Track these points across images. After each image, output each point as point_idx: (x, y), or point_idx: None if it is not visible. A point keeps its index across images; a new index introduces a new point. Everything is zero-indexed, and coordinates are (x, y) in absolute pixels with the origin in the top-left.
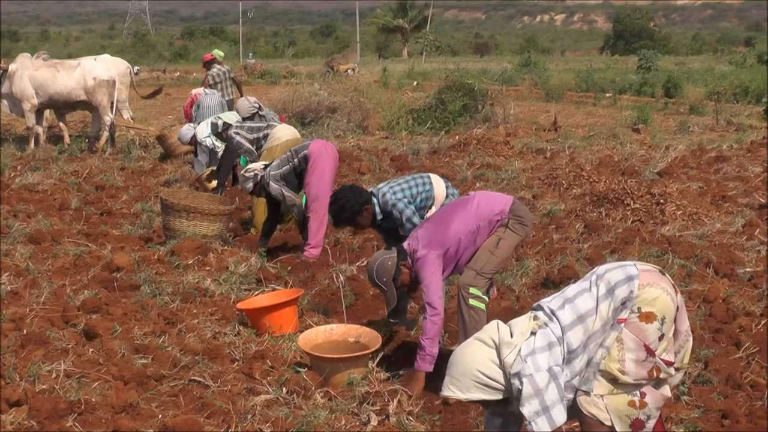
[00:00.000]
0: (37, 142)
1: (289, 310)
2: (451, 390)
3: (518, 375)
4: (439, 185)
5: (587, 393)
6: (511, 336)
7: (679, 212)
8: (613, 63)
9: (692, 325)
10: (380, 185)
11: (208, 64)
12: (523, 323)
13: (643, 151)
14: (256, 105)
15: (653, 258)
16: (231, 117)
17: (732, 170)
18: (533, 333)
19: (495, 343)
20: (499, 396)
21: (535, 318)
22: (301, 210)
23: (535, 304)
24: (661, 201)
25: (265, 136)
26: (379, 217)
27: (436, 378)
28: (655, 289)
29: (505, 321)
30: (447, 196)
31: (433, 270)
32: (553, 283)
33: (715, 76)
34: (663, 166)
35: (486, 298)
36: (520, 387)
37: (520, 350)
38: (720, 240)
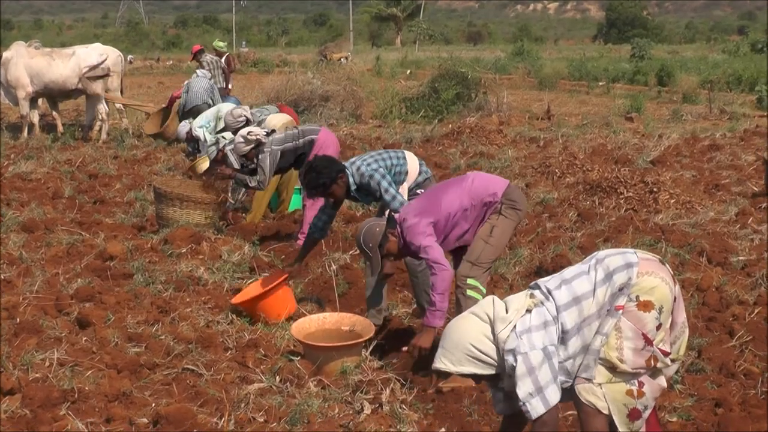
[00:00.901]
0: (30, 131)
1: (281, 292)
2: (443, 362)
3: (513, 352)
4: (412, 161)
5: (588, 380)
6: (507, 312)
7: (673, 201)
8: (606, 52)
9: (686, 313)
10: (352, 159)
11: (198, 54)
12: (519, 300)
13: (636, 140)
14: (242, 120)
15: (646, 246)
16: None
17: (725, 159)
18: (528, 311)
19: (489, 318)
20: (491, 371)
21: (532, 296)
22: (244, 195)
23: (532, 283)
24: (655, 189)
25: None
26: (353, 188)
27: (427, 367)
28: (654, 279)
29: None
30: (420, 173)
31: (427, 235)
32: (546, 272)
33: (709, 65)
34: (656, 155)
35: (483, 290)
36: (514, 364)
37: (515, 327)
38: (713, 228)
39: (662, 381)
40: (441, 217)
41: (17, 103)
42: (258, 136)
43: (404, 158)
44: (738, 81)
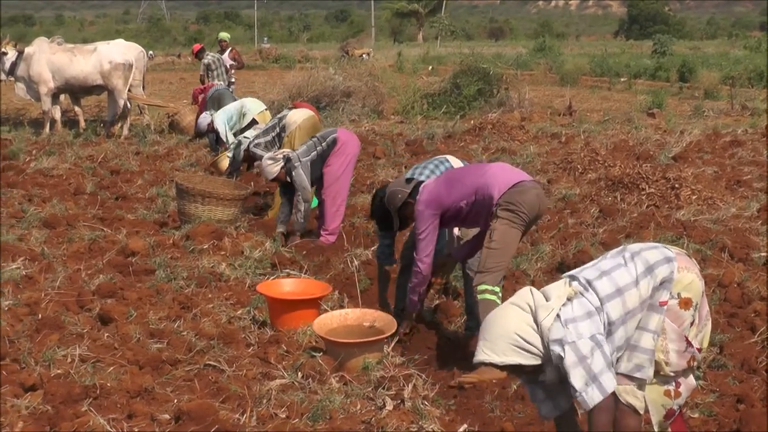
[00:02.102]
0: (52, 127)
1: (309, 308)
2: (486, 353)
3: (560, 342)
4: (457, 164)
5: (642, 380)
6: (547, 300)
7: (694, 197)
8: (627, 47)
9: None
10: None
11: (200, 53)
12: (558, 288)
13: (657, 136)
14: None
15: (668, 242)
16: (255, 105)
17: (747, 155)
18: (569, 299)
19: (530, 307)
20: (536, 361)
21: (570, 285)
22: (308, 212)
23: (566, 274)
24: (676, 185)
25: (282, 128)
26: None
27: (449, 363)
28: (691, 274)
29: None
30: None
31: (426, 226)
32: (568, 268)
33: (730, 61)
34: (678, 151)
35: (497, 290)
36: (562, 354)
37: (558, 315)
38: (735, 224)
39: (692, 380)
40: (450, 207)
41: (39, 99)
42: (284, 154)
43: (450, 165)
44: (760, 77)
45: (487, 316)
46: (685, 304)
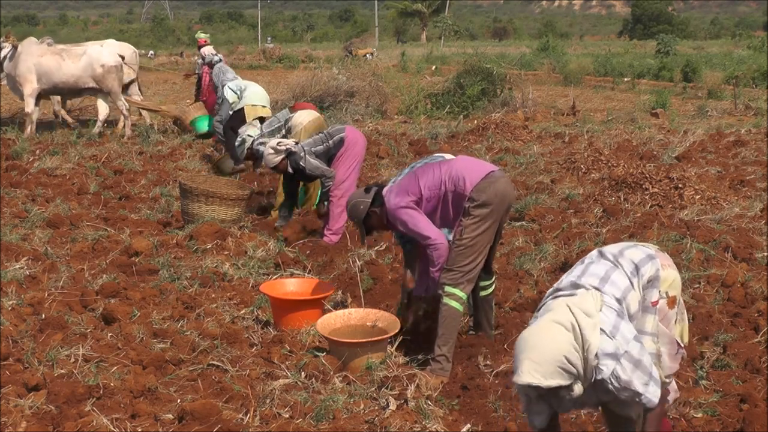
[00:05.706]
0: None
1: (312, 310)
2: (534, 376)
3: (614, 355)
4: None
5: None
6: (590, 317)
7: (698, 196)
8: (631, 47)
9: (711, 309)
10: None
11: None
12: (590, 301)
13: (661, 136)
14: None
15: (672, 242)
16: (252, 97)
17: (750, 154)
18: (600, 309)
19: (573, 326)
20: (569, 381)
21: (595, 295)
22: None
23: (565, 283)
24: (680, 185)
25: (288, 129)
26: None
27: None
28: (672, 271)
29: (526, 311)
30: None
31: (410, 216)
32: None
33: (734, 61)
34: (681, 151)
35: (463, 297)
36: (617, 369)
37: (601, 328)
38: (738, 224)
39: (674, 383)
40: (420, 197)
41: (22, 98)
42: (288, 146)
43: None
44: (763, 77)
45: (528, 332)
46: (672, 302)
